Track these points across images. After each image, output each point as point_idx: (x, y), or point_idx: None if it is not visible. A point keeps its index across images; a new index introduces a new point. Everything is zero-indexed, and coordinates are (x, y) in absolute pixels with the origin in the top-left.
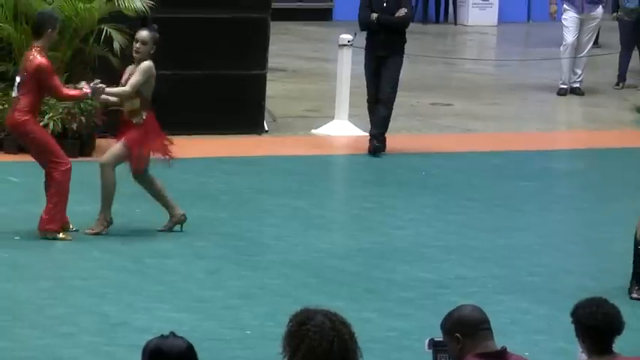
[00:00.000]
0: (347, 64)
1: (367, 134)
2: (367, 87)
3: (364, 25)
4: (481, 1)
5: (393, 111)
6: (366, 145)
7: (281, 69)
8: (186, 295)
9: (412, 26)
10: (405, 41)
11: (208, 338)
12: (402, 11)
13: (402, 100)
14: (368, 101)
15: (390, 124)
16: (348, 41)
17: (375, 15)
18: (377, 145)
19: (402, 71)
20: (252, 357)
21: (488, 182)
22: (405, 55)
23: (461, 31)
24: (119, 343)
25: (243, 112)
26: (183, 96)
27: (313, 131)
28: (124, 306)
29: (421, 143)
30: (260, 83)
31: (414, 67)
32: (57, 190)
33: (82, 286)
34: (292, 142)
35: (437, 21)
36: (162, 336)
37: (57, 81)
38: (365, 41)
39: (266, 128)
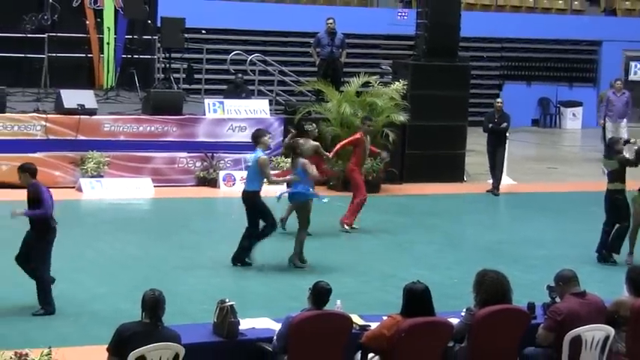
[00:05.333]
0: (505, 148)
1: (514, 182)
2: (489, 160)
3: (485, 129)
4: (572, 116)
5: (530, 169)
6: (516, 187)
7: (471, 150)
8: (424, 263)
9: (537, 129)
10: (507, 138)
11: (434, 283)
12: (505, 125)
13: (532, 166)
14: (490, 166)
15: (526, 178)
16: (506, 136)
17: (490, 125)
18: (497, 193)
19: (533, 150)
20: (457, 293)
21: (578, 208)
22: (530, 142)
23: (562, 131)
24: (392, 285)
25: (453, 170)
26: (427, 163)
27: (488, 181)
28: (394, 267)
29: (542, 187)
30: (461, 158)
31: (539, 149)
32: (356, 206)
33: (379, 258)
34: (476, 186)
35: (550, 126)
36: (412, 282)
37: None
38: (487, 137)
39: (465, 179)
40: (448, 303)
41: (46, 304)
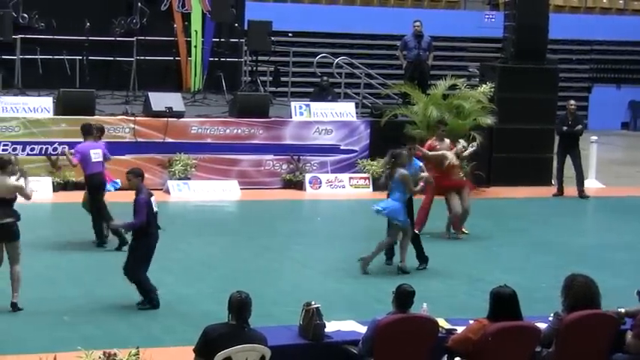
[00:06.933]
0: (594, 152)
1: (604, 186)
2: (557, 162)
3: (559, 132)
4: None
5: (619, 172)
6: (605, 190)
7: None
8: (511, 267)
9: (627, 132)
10: (579, 140)
11: (521, 287)
12: (579, 127)
13: (622, 169)
14: (557, 168)
15: (615, 181)
16: (595, 140)
17: (565, 127)
18: (585, 195)
19: (622, 153)
20: (545, 297)
21: None
22: (619, 146)
23: None
24: (479, 289)
25: (541, 174)
26: (514, 166)
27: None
28: (481, 271)
29: (631, 191)
30: (549, 161)
31: (629, 153)
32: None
33: (466, 261)
34: (564, 190)
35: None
36: (500, 286)
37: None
38: (559, 139)
39: (552, 182)
40: (536, 307)
41: (149, 301)
